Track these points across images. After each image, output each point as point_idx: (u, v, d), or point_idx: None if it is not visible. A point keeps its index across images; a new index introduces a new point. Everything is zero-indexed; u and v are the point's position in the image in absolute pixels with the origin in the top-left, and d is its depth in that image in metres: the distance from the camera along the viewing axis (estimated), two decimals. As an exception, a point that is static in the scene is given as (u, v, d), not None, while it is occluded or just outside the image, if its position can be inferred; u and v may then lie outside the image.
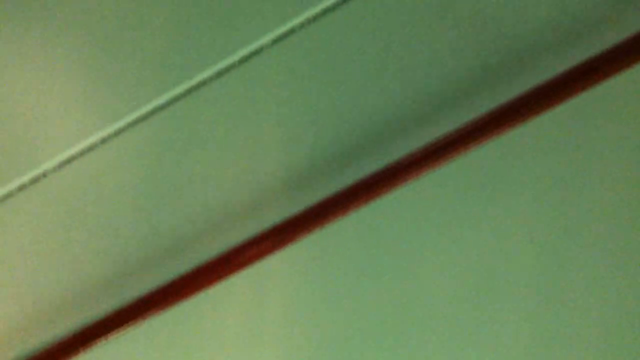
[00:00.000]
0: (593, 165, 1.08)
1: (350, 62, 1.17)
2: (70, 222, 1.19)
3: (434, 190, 1.12)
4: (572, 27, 1.09)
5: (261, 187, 1.17)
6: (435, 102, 1.13)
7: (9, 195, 1.19)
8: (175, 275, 1.10)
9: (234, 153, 1.18)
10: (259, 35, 1.18)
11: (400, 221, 1.14)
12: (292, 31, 1.18)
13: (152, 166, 1.18)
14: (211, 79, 1.19)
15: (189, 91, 1.19)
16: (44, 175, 1.19)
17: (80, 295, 1.19)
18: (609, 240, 1.08)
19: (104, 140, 1.19)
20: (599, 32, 1.07)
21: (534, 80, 1.06)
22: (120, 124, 1.19)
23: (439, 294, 1.12)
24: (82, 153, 1.20)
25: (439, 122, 1.12)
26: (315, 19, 1.17)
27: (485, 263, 1.10)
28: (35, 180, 1.19)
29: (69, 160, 1.19)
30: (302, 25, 1.18)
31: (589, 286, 1.08)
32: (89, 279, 1.18)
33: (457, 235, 1.12)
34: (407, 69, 1.15)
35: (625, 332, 1.06)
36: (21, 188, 1.18)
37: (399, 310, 1.12)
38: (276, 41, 1.18)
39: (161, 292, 1.09)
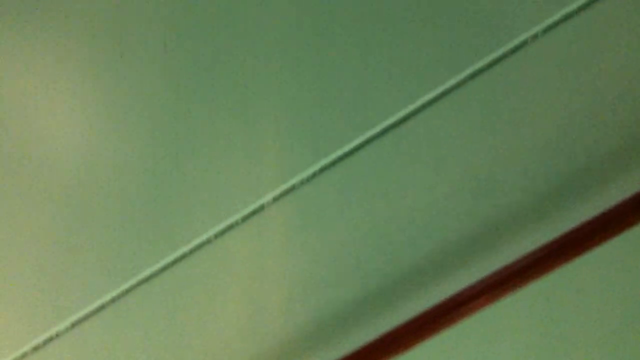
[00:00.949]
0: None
1: (351, 216, 1.18)
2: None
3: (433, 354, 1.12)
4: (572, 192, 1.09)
5: (262, 347, 1.17)
6: (436, 262, 1.13)
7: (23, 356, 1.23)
8: None
9: (236, 311, 1.19)
10: (260, 194, 1.20)
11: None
12: (292, 188, 1.20)
13: (154, 329, 1.21)
14: (215, 237, 1.21)
15: (195, 249, 1.22)
16: (57, 335, 1.23)
17: None
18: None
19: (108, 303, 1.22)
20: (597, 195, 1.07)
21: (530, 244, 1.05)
22: (132, 282, 1.22)
23: None
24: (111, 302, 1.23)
25: (438, 284, 1.12)
26: (315, 175, 1.19)
27: None
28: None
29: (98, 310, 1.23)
30: (302, 182, 1.20)
31: None
32: None
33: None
34: (404, 229, 1.15)
35: None
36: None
37: None
38: (277, 199, 1.20)
39: None
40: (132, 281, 1.22)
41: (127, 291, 1.22)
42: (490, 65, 1.16)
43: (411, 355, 1.05)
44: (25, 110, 1.25)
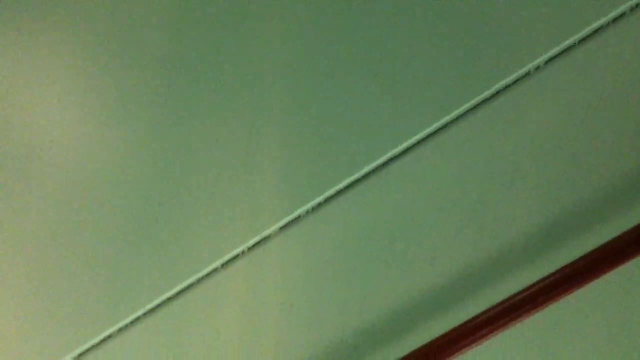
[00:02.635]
0: None
1: (355, 247, 1.19)
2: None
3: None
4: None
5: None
6: (438, 294, 1.15)
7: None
8: None
9: (239, 339, 1.20)
10: (266, 225, 1.22)
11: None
12: (297, 218, 1.21)
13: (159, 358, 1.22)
14: (222, 266, 1.22)
15: (203, 278, 1.23)
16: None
17: None
18: None
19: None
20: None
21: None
22: (139, 312, 1.24)
23: None
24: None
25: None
26: (320, 206, 1.20)
27: None
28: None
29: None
30: (307, 213, 1.21)
31: None
32: None
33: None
34: (408, 261, 1.16)
35: None
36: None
37: None
38: (283, 228, 1.22)
39: None
40: (139, 312, 1.23)
41: (134, 321, 1.23)
42: (493, 96, 1.17)
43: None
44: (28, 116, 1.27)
